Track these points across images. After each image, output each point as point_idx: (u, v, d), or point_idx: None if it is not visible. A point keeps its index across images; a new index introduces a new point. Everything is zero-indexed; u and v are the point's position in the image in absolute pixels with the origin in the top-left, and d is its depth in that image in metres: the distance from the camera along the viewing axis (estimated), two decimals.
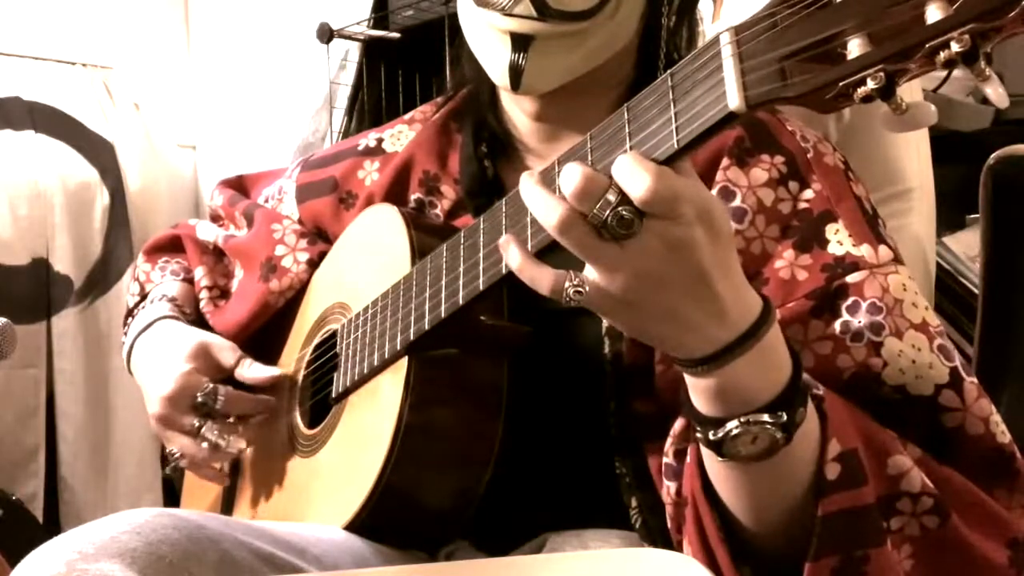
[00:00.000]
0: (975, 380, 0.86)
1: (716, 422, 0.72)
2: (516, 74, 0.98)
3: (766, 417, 0.71)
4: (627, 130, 0.70)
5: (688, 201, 0.66)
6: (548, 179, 0.73)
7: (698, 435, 0.74)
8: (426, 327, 0.92)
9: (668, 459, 0.84)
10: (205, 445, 1.11)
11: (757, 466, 0.73)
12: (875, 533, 0.75)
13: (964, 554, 0.79)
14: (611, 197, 0.66)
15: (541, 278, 0.71)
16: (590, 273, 0.69)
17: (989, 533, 0.80)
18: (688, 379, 0.73)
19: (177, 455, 1.16)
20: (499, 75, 1.00)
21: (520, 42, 0.98)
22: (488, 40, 1.00)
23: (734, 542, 0.78)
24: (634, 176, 0.65)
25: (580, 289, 0.69)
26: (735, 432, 0.71)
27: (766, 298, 0.72)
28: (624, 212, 0.66)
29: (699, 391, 0.73)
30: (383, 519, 0.95)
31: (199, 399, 1.11)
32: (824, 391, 0.77)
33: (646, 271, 0.67)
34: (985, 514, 0.81)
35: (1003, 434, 0.85)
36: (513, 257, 0.73)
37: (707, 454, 0.76)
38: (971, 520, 0.80)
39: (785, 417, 0.71)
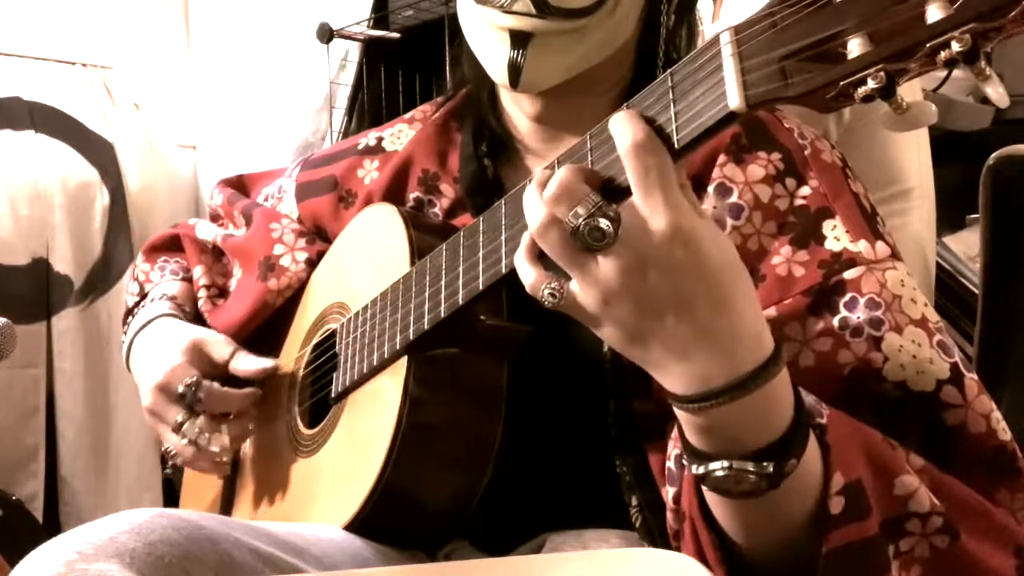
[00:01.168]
0: (975, 376, 0.86)
1: (702, 456, 0.71)
2: (515, 71, 0.98)
3: (750, 466, 0.69)
4: None
5: (675, 207, 0.65)
6: (546, 180, 0.73)
7: (684, 463, 0.74)
8: (425, 327, 0.92)
9: (670, 463, 0.84)
10: (185, 442, 1.11)
11: (748, 502, 0.72)
12: (880, 563, 0.74)
13: (971, 569, 0.78)
14: (584, 208, 0.66)
15: (527, 274, 0.71)
16: (572, 283, 0.69)
17: (996, 543, 0.79)
18: (676, 411, 0.72)
19: (172, 451, 1.16)
20: (498, 73, 1.00)
21: (519, 39, 0.98)
22: (487, 38, 1.00)
23: (732, 562, 0.77)
24: (625, 126, 0.65)
25: (555, 292, 0.69)
26: (718, 474, 0.70)
27: (778, 344, 0.71)
28: (598, 223, 0.66)
29: (687, 424, 0.72)
30: (382, 519, 0.95)
31: (180, 390, 1.11)
32: (828, 416, 0.76)
33: (619, 288, 0.67)
34: (991, 524, 0.80)
35: (1004, 431, 0.84)
36: (521, 245, 0.73)
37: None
38: (977, 531, 0.79)
39: (771, 468, 0.69)
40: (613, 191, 0.69)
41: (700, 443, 0.72)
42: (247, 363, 1.15)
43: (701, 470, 0.71)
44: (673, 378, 0.70)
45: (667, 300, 0.66)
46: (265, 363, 1.15)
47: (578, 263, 0.67)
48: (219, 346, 1.16)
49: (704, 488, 0.74)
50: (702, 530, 0.78)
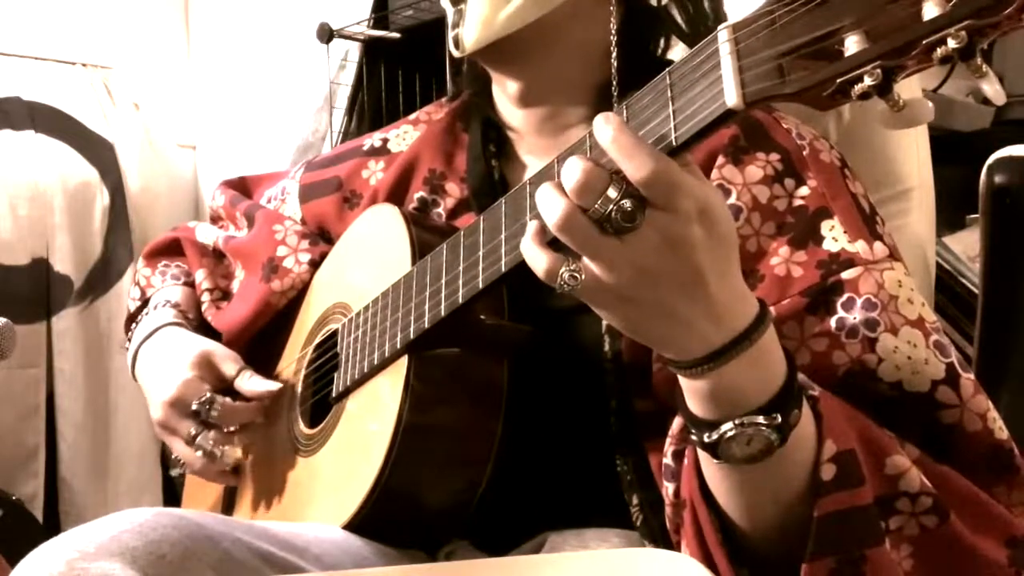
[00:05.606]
0: (972, 376, 0.86)
1: (710, 424, 0.72)
2: (456, 36, 1.02)
3: (760, 419, 0.70)
4: None
5: (689, 194, 0.65)
6: (548, 176, 0.73)
7: (693, 437, 0.74)
8: (426, 326, 0.92)
9: (667, 460, 0.84)
10: (200, 453, 1.12)
11: (752, 468, 0.72)
12: (873, 533, 0.74)
13: (963, 553, 0.79)
14: (613, 192, 0.66)
15: (539, 259, 0.70)
16: (589, 265, 0.68)
17: (988, 532, 0.80)
18: (682, 381, 0.73)
19: (182, 461, 1.16)
20: (451, 43, 1.02)
21: (457, 0, 1.01)
22: (447, 14, 1.04)
23: (732, 544, 0.78)
24: (634, 157, 0.65)
25: (576, 275, 0.68)
26: (729, 434, 0.71)
27: (762, 302, 0.72)
28: (627, 204, 0.65)
29: (693, 393, 0.73)
30: (382, 519, 0.95)
31: (194, 407, 1.12)
32: (820, 392, 0.77)
33: (643, 266, 0.66)
34: (984, 513, 0.80)
35: (1001, 430, 0.84)
36: (527, 232, 0.72)
37: (703, 456, 0.76)
38: (970, 519, 0.79)
39: (779, 419, 0.70)
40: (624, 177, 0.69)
41: (707, 411, 0.72)
42: (253, 384, 1.15)
43: (714, 436, 0.71)
44: (678, 348, 0.70)
45: (684, 276, 0.67)
46: (272, 385, 1.15)
47: (603, 249, 0.67)
48: (227, 362, 1.16)
49: (711, 463, 0.74)
50: (701, 511, 0.78)
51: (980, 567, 0.79)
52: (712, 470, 0.76)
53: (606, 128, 0.66)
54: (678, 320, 0.69)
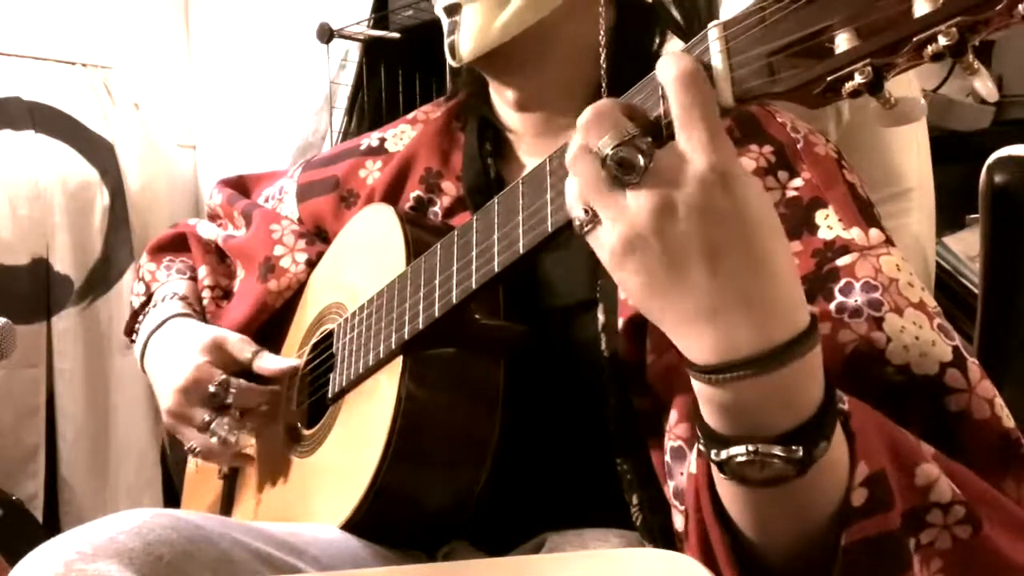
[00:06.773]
0: (976, 361, 0.83)
1: (721, 440, 0.65)
2: (452, 43, 1.02)
3: (777, 450, 0.63)
4: None
5: (719, 149, 0.61)
6: (540, 176, 0.73)
7: (701, 448, 0.68)
8: (420, 326, 0.92)
9: (667, 456, 0.84)
10: (215, 440, 1.12)
11: (769, 491, 0.65)
12: (900, 558, 0.69)
13: (993, 561, 0.73)
14: (615, 137, 0.62)
15: (571, 187, 0.65)
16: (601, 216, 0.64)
17: (1014, 534, 0.75)
18: (696, 386, 0.65)
19: (195, 448, 1.16)
20: (447, 51, 1.03)
21: (451, 12, 1.03)
22: (441, 23, 1.04)
23: (745, 563, 0.71)
24: (673, 59, 0.62)
25: (588, 209, 0.63)
26: (740, 459, 0.64)
27: (813, 316, 0.64)
28: (627, 153, 0.61)
29: (706, 401, 0.65)
30: (379, 519, 0.95)
31: (211, 390, 1.12)
32: (850, 404, 0.70)
33: (647, 229, 0.61)
34: (1007, 514, 0.76)
35: (1008, 418, 0.80)
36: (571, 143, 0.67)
37: (714, 469, 0.69)
38: (996, 522, 0.74)
39: (800, 452, 0.62)
40: (654, 133, 0.65)
41: (720, 424, 0.65)
42: (271, 362, 1.15)
43: (722, 455, 0.64)
44: (696, 342, 0.63)
45: (698, 249, 0.60)
46: (289, 362, 1.15)
47: (606, 197, 0.62)
48: (240, 345, 1.16)
49: (722, 478, 0.68)
50: (712, 527, 0.72)
51: (1007, 571, 0.74)
52: (724, 485, 0.70)
53: (674, 63, 0.62)
54: (692, 304, 0.62)
